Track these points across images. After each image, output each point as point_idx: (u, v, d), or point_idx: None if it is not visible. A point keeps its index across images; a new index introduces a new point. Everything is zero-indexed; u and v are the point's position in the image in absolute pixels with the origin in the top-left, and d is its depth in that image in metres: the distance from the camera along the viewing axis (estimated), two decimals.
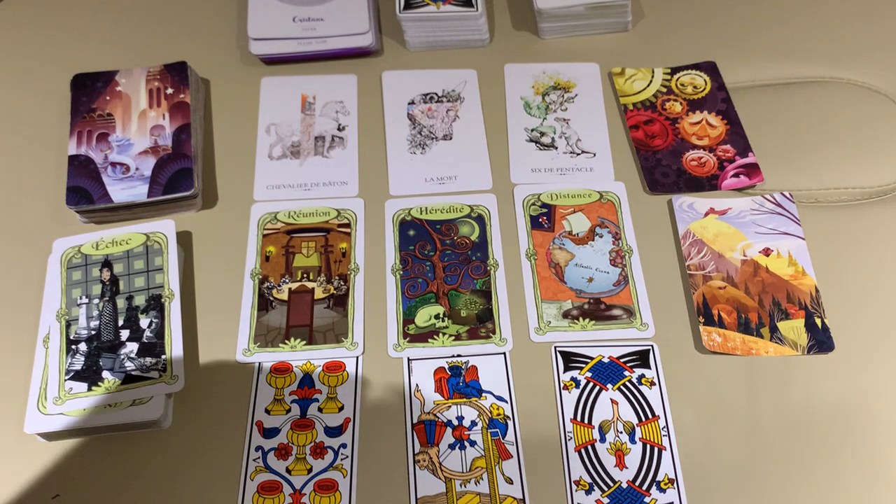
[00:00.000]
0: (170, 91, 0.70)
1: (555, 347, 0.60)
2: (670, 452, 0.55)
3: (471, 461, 0.55)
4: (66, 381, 0.57)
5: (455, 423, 0.56)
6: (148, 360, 0.57)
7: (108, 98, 0.70)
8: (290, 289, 0.63)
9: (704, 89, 0.73)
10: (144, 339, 0.58)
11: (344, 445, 0.56)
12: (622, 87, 0.73)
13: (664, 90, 0.73)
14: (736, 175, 0.67)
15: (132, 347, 0.58)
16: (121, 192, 0.65)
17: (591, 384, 0.58)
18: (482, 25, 0.75)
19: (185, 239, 0.65)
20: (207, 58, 0.75)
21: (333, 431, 0.56)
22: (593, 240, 0.65)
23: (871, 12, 0.77)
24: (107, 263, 0.62)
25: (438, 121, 0.72)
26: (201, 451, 0.56)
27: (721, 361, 0.59)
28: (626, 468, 0.55)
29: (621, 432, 0.56)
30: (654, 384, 0.58)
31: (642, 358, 0.59)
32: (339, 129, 0.71)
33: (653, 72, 0.74)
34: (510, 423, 0.56)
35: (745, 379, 0.58)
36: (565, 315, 0.61)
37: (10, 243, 0.65)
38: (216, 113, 0.73)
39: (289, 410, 0.57)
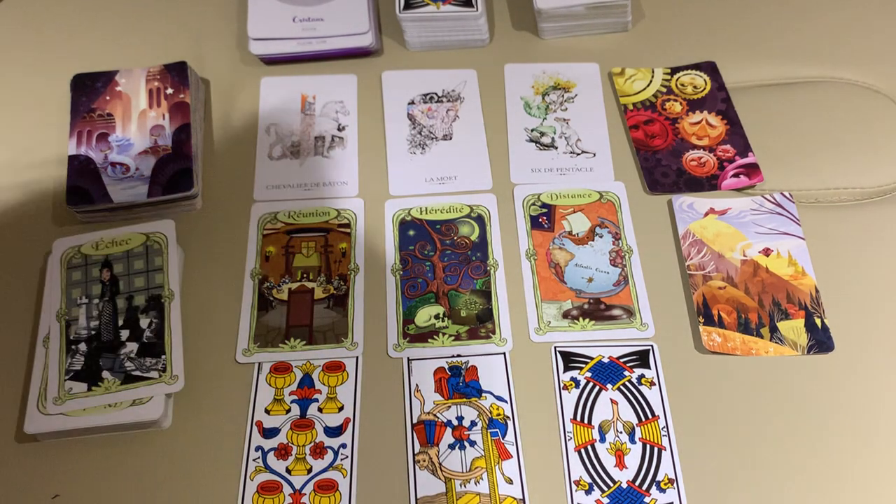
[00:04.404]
0: (170, 91, 0.70)
1: (555, 347, 0.60)
2: (670, 452, 0.55)
3: (471, 461, 0.55)
4: (66, 381, 0.57)
5: (455, 423, 0.56)
6: (148, 360, 0.57)
7: (108, 98, 0.70)
8: (290, 289, 0.63)
9: (704, 89, 0.73)
10: (144, 339, 0.58)
11: (344, 445, 0.56)
12: (622, 87, 0.73)
13: (664, 90, 0.73)
14: (736, 175, 0.67)
15: (132, 347, 0.58)
16: (121, 192, 0.65)
17: (590, 384, 0.58)
18: (482, 25, 0.75)
19: (185, 239, 0.65)
20: (207, 58, 0.75)
21: (333, 431, 0.56)
22: (593, 240, 0.65)
23: (872, 13, 0.77)
24: (107, 263, 0.62)
25: (438, 121, 0.72)
26: (201, 451, 0.56)
27: (721, 361, 0.59)
28: (626, 468, 0.55)
29: (621, 432, 0.56)
30: (654, 384, 0.58)
31: (642, 358, 0.59)
32: (339, 129, 0.71)
33: (653, 72, 0.74)
34: (510, 423, 0.56)
35: (745, 379, 0.58)
36: (565, 315, 0.61)
37: (10, 243, 0.65)
38: (216, 113, 0.73)
39: (289, 410, 0.57)
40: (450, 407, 0.57)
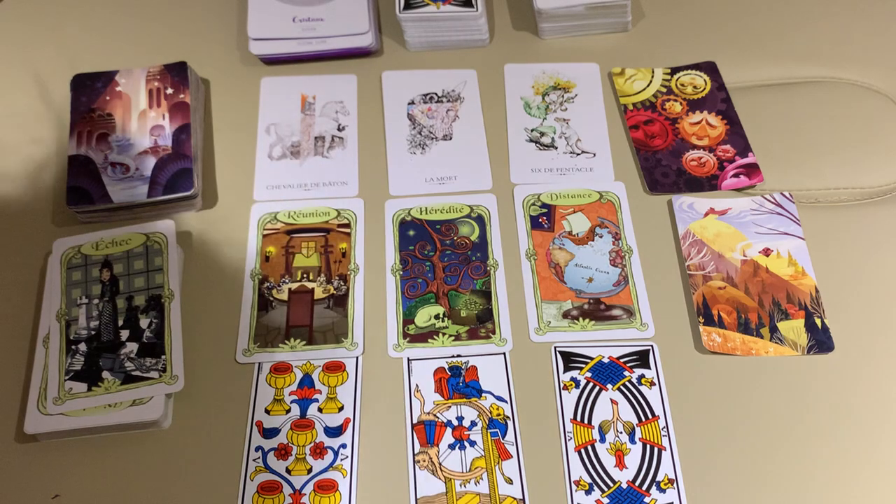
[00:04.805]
0: (170, 91, 0.70)
1: (555, 347, 0.60)
2: (670, 452, 0.55)
3: (471, 461, 0.55)
4: (66, 381, 0.57)
5: (455, 423, 0.56)
6: (148, 360, 0.57)
7: (108, 98, 0.70)
8: (290, 289, 0.63)
9: (704, 89, 0.73)
10: (144, 339, 0.58)
11: (344, 445, 0.56)
12: (622, 87, 0.73)
13: (664, 90, 0.73)
14: (736, 175, 0.67)
15: (132, 347, 0.58)
16: (121, 192, 0.65)
17: (590, 384, 0.58)
18: (482, 25, 0.75)
19: (185, 239, 0.65)
20: (207, 58, 0.75)
21: (333, 431, 0.56)
22: (593, 240, 0.65)
23: (872, 13, 0.77)
24: (107, 263, 0.62)
25: (438, 121, 0.72)
26: (201, 451, 0.56)
27: (721, 361, 0.59)
28: (626, 468, 0.55)
29: (621, 432, 0.56)
30: (654, 384, 0.58)
31: (642, 358, 0.59)
32: (339, 129, 0.71)
33: (653, 72, 0.74)
34: (510, 423, 0.56)
35: (745, 379, 0.58)
36: (565, 315, 0.61)
37: (10, 243, 0.65)
38: (216, 113, 0.73)
39: (289, 410, 0.57)
40: (450, 407, 0.57)
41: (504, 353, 0.59)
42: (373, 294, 0.63)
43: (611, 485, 0.54)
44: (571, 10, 0.74)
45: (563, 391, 0.58)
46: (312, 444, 0.56)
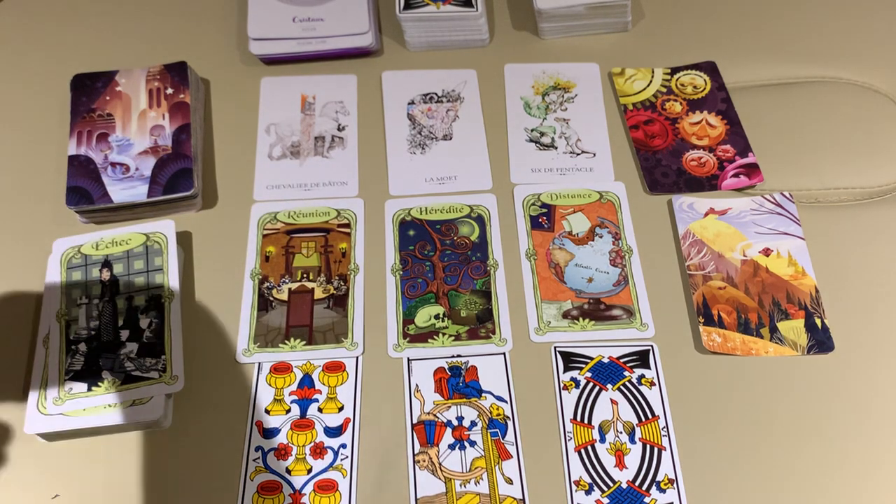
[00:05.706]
0: (170, 91, 0.70)
1: (555, 347, 0.60)
2: (670, 452, 0.55)
3: (471, 461, 0.55)
4: (66, 381, 0.57)
5: (455, 423, 0.56)
6: (148, 360, 0.57)
7: (108, 98, 0.70)
8: (290, 289, 0.63)
9: (704, 89, 0.73)
10: (144, 339, 0.58)
11: (344, 445, 0.56)
12: (622, 87, 0.73)
13: (664, 90, 0.73)
14: (736, 175, 0.67)
15: (132, 347, 0.58)
16: (121, 192, 0.65)
17: (590, 384, 0.58)
18: (482, 25, 0.75)
19: (185, 239, 0.65)
20: (207, 58, 0.75)
21: (333, 431, 0.56)
22: (593, 240, 0.65)
23: (872, 12, 0.77)
24: (107, 263, 0.62)
25: (438, 121, 0.72)
26: (201, 451, 0.56)
27: (721, 361, 0.59)
28: (626, 468, 0.55)
29: (621, 432, 0.56)
30: (654, 384, 0.58)
31: (642, 358, 0.59)
32: (339, 129, 0.71)
33: (653, 72, 0.74)
34: (510, 423, 0.56)
35: (745, 379, 0.58)
36: (565, 315, 0.61)
37: (10, 243, 0.65)
38: (216, 113, 0.73)
39: (289, 410, 0.57)
40: (450, 407, 0.57)
41: (504, 353, 0.59)
42: (373, 294, 0.63)
43: (611, 485, 0.54)
44: (571, 10, 0.74)
45: (563, 391, 0.58)
46: (312, 444, 0.56)
